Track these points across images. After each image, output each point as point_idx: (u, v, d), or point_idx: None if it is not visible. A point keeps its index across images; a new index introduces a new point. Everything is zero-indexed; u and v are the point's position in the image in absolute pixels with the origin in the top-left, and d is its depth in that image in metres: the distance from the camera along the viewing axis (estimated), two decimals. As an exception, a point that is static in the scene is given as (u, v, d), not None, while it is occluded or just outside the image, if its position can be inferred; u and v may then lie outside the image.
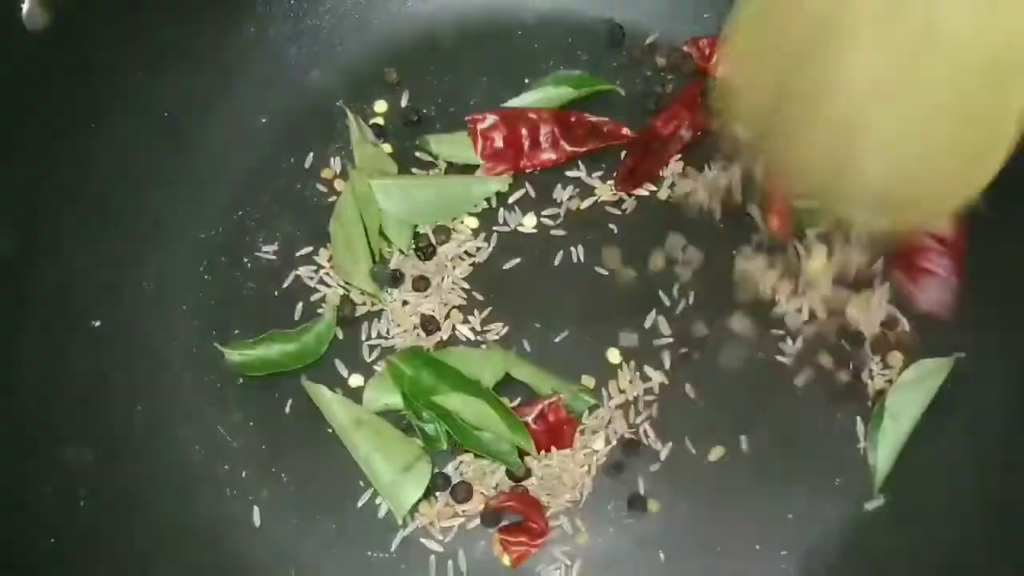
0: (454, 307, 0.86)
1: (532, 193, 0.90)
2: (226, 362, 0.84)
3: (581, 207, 0.89)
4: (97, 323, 0.84)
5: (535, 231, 0.89)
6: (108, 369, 0.83)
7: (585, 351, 0.85)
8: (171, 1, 0.88)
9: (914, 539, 0.78)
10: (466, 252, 0.88)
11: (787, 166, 0.77)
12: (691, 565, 0.79)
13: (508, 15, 0.97)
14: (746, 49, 0.74)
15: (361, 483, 0.81)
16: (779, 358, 0.84)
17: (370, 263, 0.85)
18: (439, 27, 0.96)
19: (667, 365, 0.84)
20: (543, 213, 0.89)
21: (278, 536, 0.80)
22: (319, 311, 0.85)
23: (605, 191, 0.90)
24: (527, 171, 0.90)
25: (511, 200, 0.90)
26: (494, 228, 0.89)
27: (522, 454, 0.79)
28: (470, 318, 0.85)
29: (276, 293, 0.87)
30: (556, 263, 0.88)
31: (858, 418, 0.82)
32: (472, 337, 0.85)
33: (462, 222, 0.89)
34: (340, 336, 0.85)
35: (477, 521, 0.79)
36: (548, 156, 0.90)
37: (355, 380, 0.84)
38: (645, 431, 0.82)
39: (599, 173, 0.91)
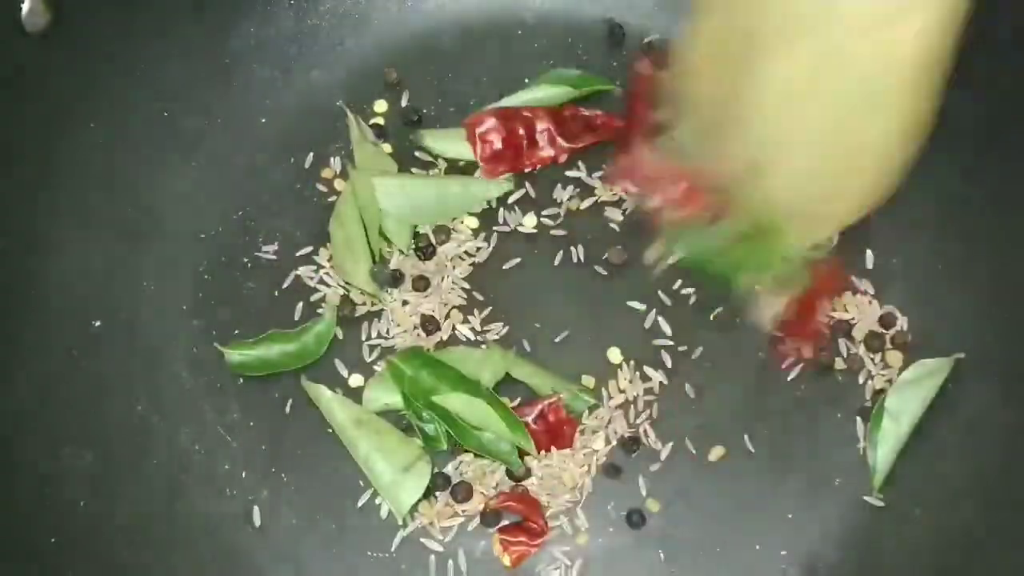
0: (454, 307, 0.86)
1: (532, 193, 0.90)
2: (226, 362, 0.84)
3: (581, 207, 0.89)
4: (97, 323, 0.84)
5: (535, 231, 0.89)
6: (108, 369, 0.83)
7: (585, 351, 0.85)
8: (171, 1, 0.88)
9: (914, 539, 0.78)
10: (466, 252, 0.88)
11: (715, 166, 0.78)
12: (691, 565, 0.79)
13: (508, 15, 0.97)
14: (694, 58, 0.75)
15: (361, 483, 0.81)
16: (779, 358, 0.84)
17: (370, 263, 0.85)
18: (439, 27, 0.96)
19: (667, 365, 0.84)
20: (543, 213, 0.89)
21: (278, 536, 0.80)
22: (319, 311, 0.85)
23: (605, 191, 0.90)
24: (526, 170, 0.90)
25: (511, 200, 0.89)
26: (494, 228, 0.89)
27: (522, 454, 0.79)
28: (470, 318, 0.85)
29: (276, 293, 0.87)
30: (556, 263, 0.88)
31: (857, 418, 0.82)
32: (472, 337, 0.85)
33: (462, 222, 0.89)
34: (340, 336, 0.85)
35: (477, 521, 0.79)
36: (546, 154, 0.90)
37: (355, 380, 0.84)
38: (645, 431, 0.82)
39: (599, 173, 0.90)
